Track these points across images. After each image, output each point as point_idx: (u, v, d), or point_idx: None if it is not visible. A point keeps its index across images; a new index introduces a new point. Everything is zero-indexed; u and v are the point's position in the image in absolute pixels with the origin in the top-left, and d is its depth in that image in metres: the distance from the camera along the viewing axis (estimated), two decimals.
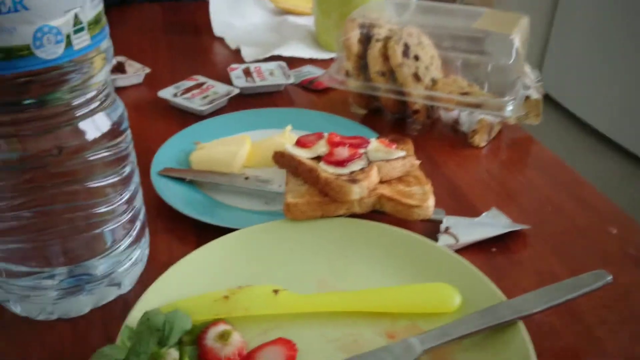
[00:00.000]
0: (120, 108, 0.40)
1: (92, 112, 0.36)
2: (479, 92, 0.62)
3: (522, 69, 0.59)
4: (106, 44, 0.36)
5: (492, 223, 0.49)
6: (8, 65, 0.30)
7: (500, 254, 0.47)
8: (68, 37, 0.32)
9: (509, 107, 0.58)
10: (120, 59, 0.77)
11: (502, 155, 0.61)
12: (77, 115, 0.35)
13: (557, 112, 2.04)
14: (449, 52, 0.68)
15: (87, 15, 0.33)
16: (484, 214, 0.50)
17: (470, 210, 0.52)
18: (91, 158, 0.36)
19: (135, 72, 0.75)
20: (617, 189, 1.23)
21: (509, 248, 0.47)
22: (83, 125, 0.36)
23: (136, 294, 0.41)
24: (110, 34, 0.37)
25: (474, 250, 0.47)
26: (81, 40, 0.33)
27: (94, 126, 0.36)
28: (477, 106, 0.59)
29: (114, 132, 0.38)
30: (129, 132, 0.41)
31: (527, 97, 0.63)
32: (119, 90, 0.73)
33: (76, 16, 0.32)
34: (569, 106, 2.03)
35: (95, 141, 0.37)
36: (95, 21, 0.34)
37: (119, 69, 0.75)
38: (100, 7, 0.35)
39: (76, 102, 0.35)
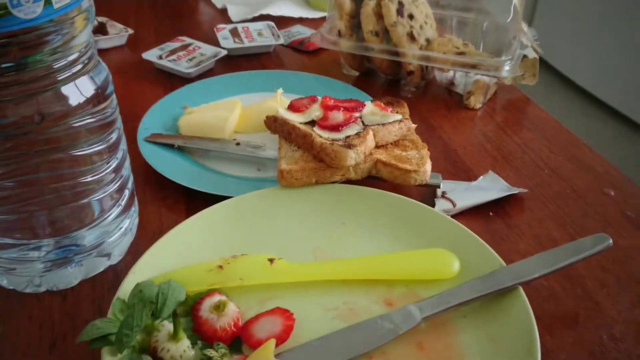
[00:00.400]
0: (104, 71, 0.37)
1: (75, 76, 0.34)
2: (474, 52, 0.61)
3: (519, 27, 0.57)
4: (87, 2, 0.34)
5: (489, 187, 0.48)
6: None
7: (498, 218, 0.46)
8: None
9: (506, 67, 0.56)
10: (102, 19, 0.74)
11: (498, 117, 0.60)
12: (59, 79, 0.33)
13: (548, 73, 2.02)
14: (444, 11, 0.66)
15: None
16: (480, 178, 0.49)
17: (467, 173, 0.51)
18: (75, 124, 0.35)
19: (118, 34, 0.72)
20: (608, 151, 1.23)
21: (506, 212, 0.47)
22: (65, 90, 0.34)
23: (127, 265, 0.40)
24: None
25: (472, 215, 0.46)
26: None
27: (77, 91, 0.34)
28: (473, 66, 0.57)
29: (99, 96, 0.36)
30: (114, 96, 0.39)
31: (524, 57, 0.61)
32: (101, 52, 0.70)
33: None
34: (558, 67, 2.01)
35: (79, 106, 0.35)
36: None
37: (100, 30, 0.72)
38: None
39: (57, 65, 0.33)
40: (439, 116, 0.59)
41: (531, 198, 0.48)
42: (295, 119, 0.48)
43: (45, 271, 0.37)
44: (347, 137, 0.46)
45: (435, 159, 0.52)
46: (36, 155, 0.34)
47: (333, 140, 0.45)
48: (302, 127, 0.47)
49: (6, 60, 0.30)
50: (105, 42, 0.71)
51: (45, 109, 0.33)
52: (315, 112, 0.49)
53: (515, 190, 0.48)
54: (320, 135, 0.46)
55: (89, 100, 0.35)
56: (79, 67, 0.34)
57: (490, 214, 0.46)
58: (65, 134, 0.34)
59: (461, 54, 0.60)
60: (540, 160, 0.53)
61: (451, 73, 0.63)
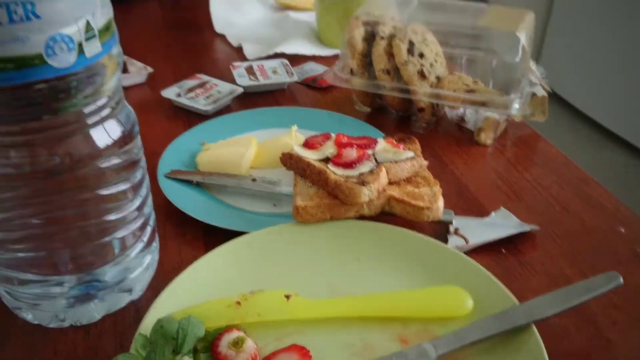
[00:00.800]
0: (131, 114, 0.39)
1: (103, 119, 0.36)
2: (484, 89, 0.62)
3: (528, 66, 0.59)
4: (116, 49, 0.36)
5: (502, 223, 0.49)
6: (20, 75, 0.30)
7: (510, 255, 0.47)
8: (80, 45, 0.31)
9: (515, 105, 0.57)
10: (123, 58, 0.76)
11: (508, 153, 0.61)
12: (89, 123, 0.35)
13: (560, 106, 2.03)
14: (453, 49, 0.68)
15: (98, 22, 0.33)
16: (493, 214, 0.50)
17: (479, 209, 0.52)
18: (102, 165, 0.36)
19: (138, 72, 0.74)
20: (620, 182, 1.24)
21: (518, 249, 0.47)
22: (94, 132, 0.35)
23: (148, 300, 0.41)
24: None
25: (484, 252, 0.47)
26: (93, 48, 0.32)
27: (105, 133, 0.36)
28: (483, 104, 0.59)
29: (125, 138, 0.38)
30: (139, 137, 0.40)
31: (533, 94, 0.63)
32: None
33: (88, 24, 0.32)
34: (568, 99, 2.03)
35: (107, 148, 0.36)
36: (106, 28, 0.34)
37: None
38: (110, 13, 0.34)
39: (88, 109, 0.34)
40: (450, 152, 0.61)
41: (543, 235, 0.49)
42: (310, 156, 0.50)
43: (69, 307, 0.38)
44: (361, 174, 0.47)
45: (448, 194, 0.53)
46: (63, 195, 0.35)
47: (347, 177, 0.46)
48: (317, 164, 0.48)
49: (39, 106, 0.32)
50: (125, 80, 0.73)
51: (74, 151, 0.35)
52: (329, 149, 0.50)
53: (527, 228, 0.48)
54: (335, 172, 0.47)
55: (116, 142, 0.37)
56: (107, 111, 0.36)
57: (503, 250, 0.47)
58: (93, 174, 0.36)
59: (471, 91, 0.61)
60: (550, 196, 0.54)
61: (462, 110, 0.65)
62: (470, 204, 0.53)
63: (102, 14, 0.33)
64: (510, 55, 0.59)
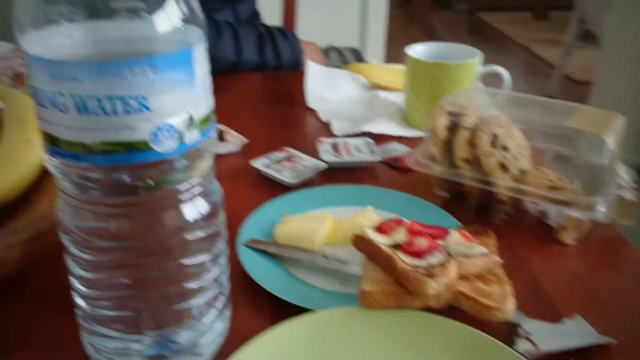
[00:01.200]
0: (218, 190, 0.43)
1: (195, 197, 0.40)
2: (569, 188, 0.61)
3: (616, 169, 0.58)
4: (212, 134, 0.40)
5: (575, 332, 0.47)
6: (128, 157, 0.34)
7: None
8: (181, 133, 0.36)
9: (600, 208, 0.56)
10: (222, 127, 0.83)
11: (591, 256, 0.58)
12: (181, 199, 0.39)
13: None
14: (540, 144, 0.67)
15: (199, 114, 0.37)
16: (567, 321, 0.48)
17: (552, 313, 0.50)
18: (188, 237, 0.40)
19: (234, 141, 0.80)
20: None
21: None
22: (185, 207, 0.39)
23: None
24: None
25: None
26: (192, 136, 0.36)
27: (195, 209, 0.40)
28: (566, 204, 0.58)
29: (211, 213, 0.41)
30: (223, 211, 0.44)
31: (621, 198, 0.60)
32: (218, 157, 0.79)
33: (190, 115, 0.36)
34: None
35: (194, 222, 0.40)
36: (206, 119, 0.38)
37: (219, 137, 0.81)
38: (211, 105, 0.39)
39: (182, 187, 0.38)
40: (528, 248, 0.59)
41: (620, 349, 0.46)
42: (381, 240, 0.51)
43: None
44: (430, 265, 0.47)
45: (520, 292, 0.52)
46: (150, 261, 0.39)
47: (415, 267, 0.47)
48: (386, 249, 0.49)
49: (142, 184, 0.36)
50: (222, 148, 0.79)
51: (165, 224, 0.38)
52: (401, 235, 0.51)
53: (603, 340, 0.46)
54: (403, 260, 0.48)
55: (203, 217, 0.41)
56: (199, 188, 0.40)
57: None
58: (178, 244, 0.40)
59: (555, 188, 0.60)
60: (633, 308, 0.51)
61: (544, 205, 0.64)
62: (544, 307, 0.51)
63: (204, 106, 0.38)
64: (597, 157, 0.58)
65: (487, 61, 0.83)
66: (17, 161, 0.52)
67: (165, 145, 0.35)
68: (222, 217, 0.44)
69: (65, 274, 0.41)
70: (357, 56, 2.06)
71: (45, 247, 0.45)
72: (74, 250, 0.39)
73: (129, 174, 0.35)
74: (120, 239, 0.38)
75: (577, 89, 3.34)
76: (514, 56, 4.06)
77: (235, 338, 0.46)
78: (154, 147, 0.35)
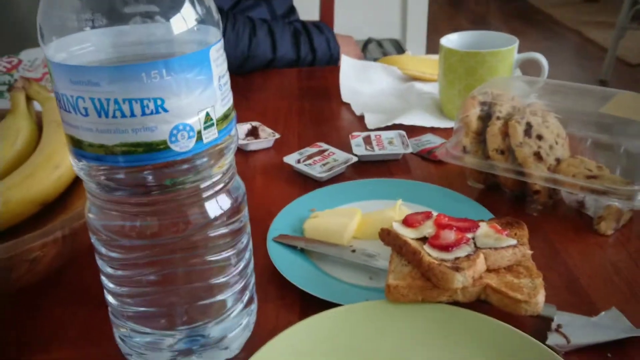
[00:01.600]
0: (241, 187, 0.44)
1: (217, 193, 0.41)
2: (608, 176, 0.59)
3: None
4: (233, 132, 0.41)
5: (611, 325, 0.45)
6: (148, 157, 0.35)
7: None
8: (199, 132, 0.36)
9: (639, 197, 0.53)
10: (255, 124, 0.84)
11: (631, 247, 0.56)
12: (203, 197, 0.40)
13: None
14: (578, 132, 0.65)
15: (217, 113, 0.38)
16: (602, 314, 0.47)
17: (588, 307, 0.48)
18: (211, 234, 0.41)
19: (267, 138, 0.81)
20: None
21: (627, 355, 0.43)
22: (207, 205, 0.40)
23: None
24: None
25: (588, 354, 0.43)
26: (210, 135, 0.37)
27: (217, 205, 0.41)
28: (604, 193, 0.55)
29: (234, 209, 0.42)
30: (246, 207, 0.45)
31: None
32: (250, 153, 0.80)
33: (207, 114, 0.37)
34: None
35: (217, 219, 0.41)
36: (224, 117, 0.39)
37: (253, 133, 0.83)
38: (229, 104, 0.39)
39: (203, 185, 0.39)
40: (565, 239, 0.58)
41: None
42: (408, 234, 0.51)
43: (172, 359, 0.43)
44: (457, 258, 0.47)
45: (555, 286, 0.51)
46: (175, 258, 0.40)
47: (442, 260, 0.46)
48: (413, 243, 0.49)
49: (162, 183, 0.37)
50: (255, 145, 0.80)
51: (189, 221, 0.39)
52: (428, 229, 0.50)
53: (639, 333, 0.44)
54: (430, 254, 0.47)
55: (225, 213, 0.41)
56: (220, 185, 0.41)
57: (609, 355, 0.43)
58: (202, 240, 0.41)
59: (593, 177, 0.58)
60: None
61: (581, 194, 0.61)
62: (580, 300, 0.49)
63: (222, 105, 0.38)
64: (636, 144, 0.55)
65: (537, 47, 0.82)
66: (56, 163, 0.54)
67: (184, 145, 0.36)
68: (245, 213, 0.44)
69: (98, 271, 0.43)
70: (398, 47, 2.03)
71: (80, 245, 0.47)
72: (101, 249, 0.40)
73: (150, 174, 0.36)
74: (144, 237, 0.39)
75: (630, 72, 3.19)
76: (564, 40, 3.92)
77: (263, 332, 0.47)
78: (173, 147, 0.36)
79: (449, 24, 4.26)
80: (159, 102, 0.34)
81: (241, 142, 0.80)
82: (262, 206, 0.66)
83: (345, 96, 0.96)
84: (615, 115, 0.59)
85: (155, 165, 0.36)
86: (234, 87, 0.41)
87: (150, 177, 0.36)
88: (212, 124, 0.37)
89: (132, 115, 0.34)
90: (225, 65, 0.39)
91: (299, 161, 0.74)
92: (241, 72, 1.08)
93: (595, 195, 0.56)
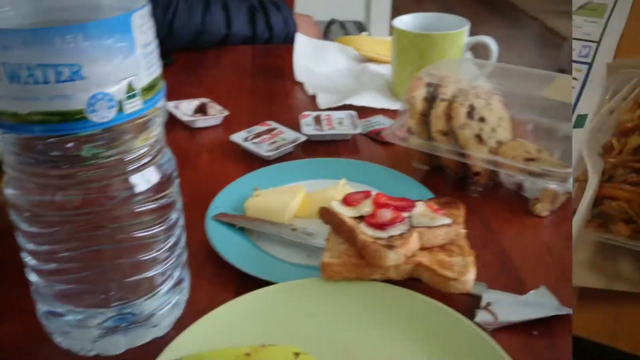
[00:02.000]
0: (171, 161, 0.43)
1: (143, 167, 0.39)
2: (546, 159, 0.60)
3: None
4: (161, 103, 0.39)
5: (539, 303, 0.46)
6: (63, 127, 0.34)
7: (542, 339, 0.44)
8: (120, 102, 0.35)
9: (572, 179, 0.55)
10: (204, 100, 0.83)
11: (564, 228, 0.57)
12: (128, 170, 0.38)
13: None
14: (520, 115, 0.66)
15: (141, 82, 0.36)
16: (531, 292, 0.48)
17: (519, 285, 0.49)
18: (138, 208, 0.40)
19: (215, 115, 0.79)
20: None
21: (552, 332, 0.44)
22: (133, 178, 0.39)
23: (170, 338, 0.43)
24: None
25: (514, 332, 0.44)
26: (133, 105, 0.36)
27: (144, 179, 0.39)
28: (540, 175, 0.56)
29: (163, 184, 0.41)
30: (177, 181, 0.43)
31: None
32: (198, 130, 0.78)
33: (130, 84, 0.35)
34: None
35: (143, 193, 0.40)
36: (150, 87, 0.37)
37: (201, 109, 0.81)
38: (156, 73, 0.38)
39: (127, 158, 0.38)
40: (501, 220, 0.59)
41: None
42: (346, 212, 0.51)
43: (99, 337, 0.42)
44: (391, 236, 0.47)
45: (489, 265, 0.51)
46: (100, 233, 0.39)
47: (376, 238, 0.47)
48: (350, 221, 0.49)
49: (82, 155, 0.36)
50: (203, 122, 0.79)
51: (113, 194, 0.38)
52: (366, 207, 0.50)
53: (565, 311, 0.45)
54: (365, 232, 0.47)
55: (154, 187, 0.40)
56: (147, 159, 0.40)
57: (535, 332, 0.44)
58: (128, 216, 0.39)
59: (531, 160, 0.59)
60: None
61: (519, 176, 0.63)
62: (511, 279, 0.50)
63: (147, 75, 0.37)
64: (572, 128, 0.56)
65: (499, 34, 0.81)
66: None
67: (103, 115, 0.35)
68: (175, 189, 0.43)
69: (17, 249, 0.41)
70: (361, 29, 2.02)
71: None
72: (22, 225, 0.39)
73: (69, 144, 0.35)
74: (67, 210, 0.38)
75: None
76: (526, 29, 3.97)
77: (196, 310, 0.46)
78: (91, 116, 0.34)
79: (416, 7, 4.27)
80: (74, 69, 0.33)
81: (189, 118, 0.78)
82: (206, 184, 0.64)
83: (299, 75, 0.95)
84: (555, 99, 0.60)
85: (74, 135, 0.34)
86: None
87: (69, 148, 0.35)
88: (135, 94, 0.36)
89: (46, 81, 0.32)
90: (151, 33, 0.37)
91: (246, 139, 0.73)
92: (194, 47, 1.06)
93: (533, 177, 0.57)
